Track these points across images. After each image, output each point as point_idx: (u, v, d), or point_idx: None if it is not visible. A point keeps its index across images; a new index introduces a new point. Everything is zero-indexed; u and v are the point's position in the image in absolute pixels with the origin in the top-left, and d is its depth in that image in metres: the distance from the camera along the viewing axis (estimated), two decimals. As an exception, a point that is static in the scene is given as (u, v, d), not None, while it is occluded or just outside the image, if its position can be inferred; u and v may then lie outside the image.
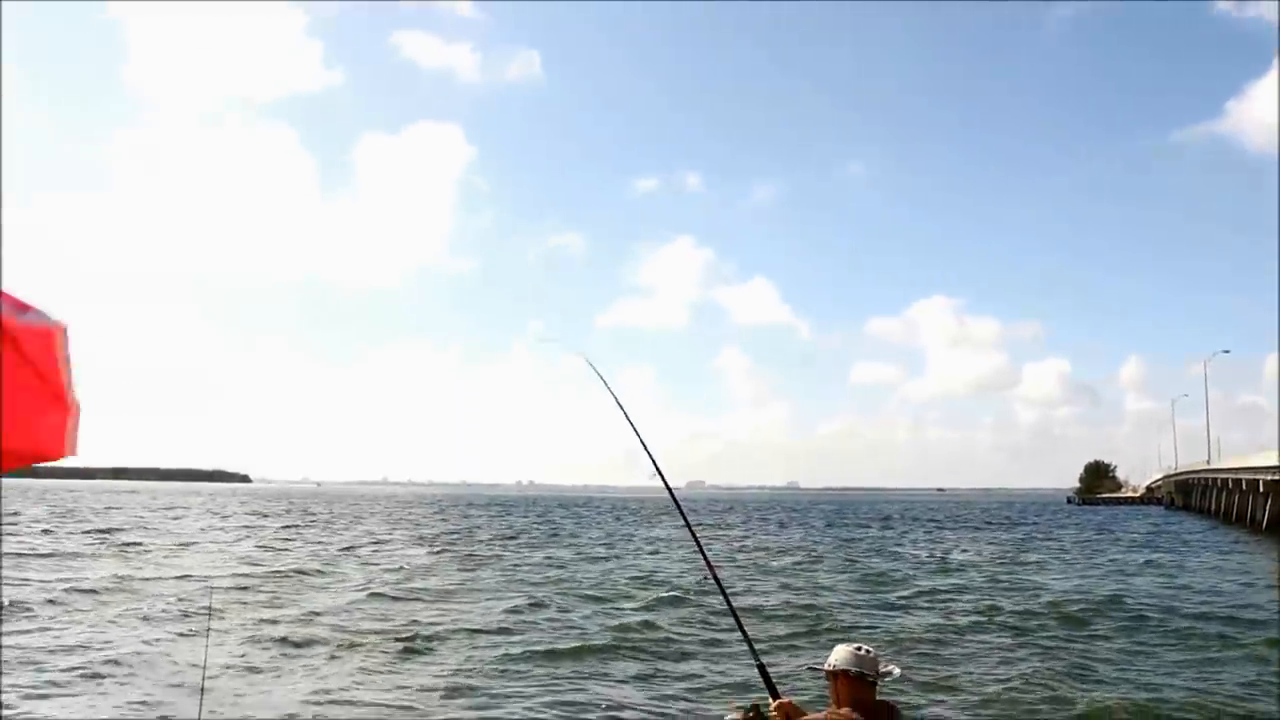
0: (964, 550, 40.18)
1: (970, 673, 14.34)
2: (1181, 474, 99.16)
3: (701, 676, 13.83)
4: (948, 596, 23.70)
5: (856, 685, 4.35)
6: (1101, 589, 25.28)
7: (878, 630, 17.69)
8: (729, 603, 5.37)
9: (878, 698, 4.44)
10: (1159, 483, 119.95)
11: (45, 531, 43.39)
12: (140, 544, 36.56)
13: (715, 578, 5.43)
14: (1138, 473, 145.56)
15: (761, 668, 4.98)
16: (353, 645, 15.61)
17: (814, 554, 37.60)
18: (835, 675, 4.43)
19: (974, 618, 19.95)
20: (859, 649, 4.47)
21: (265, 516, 67.19)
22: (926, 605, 22.01)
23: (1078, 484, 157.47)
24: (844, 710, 4.31)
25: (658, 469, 5.83)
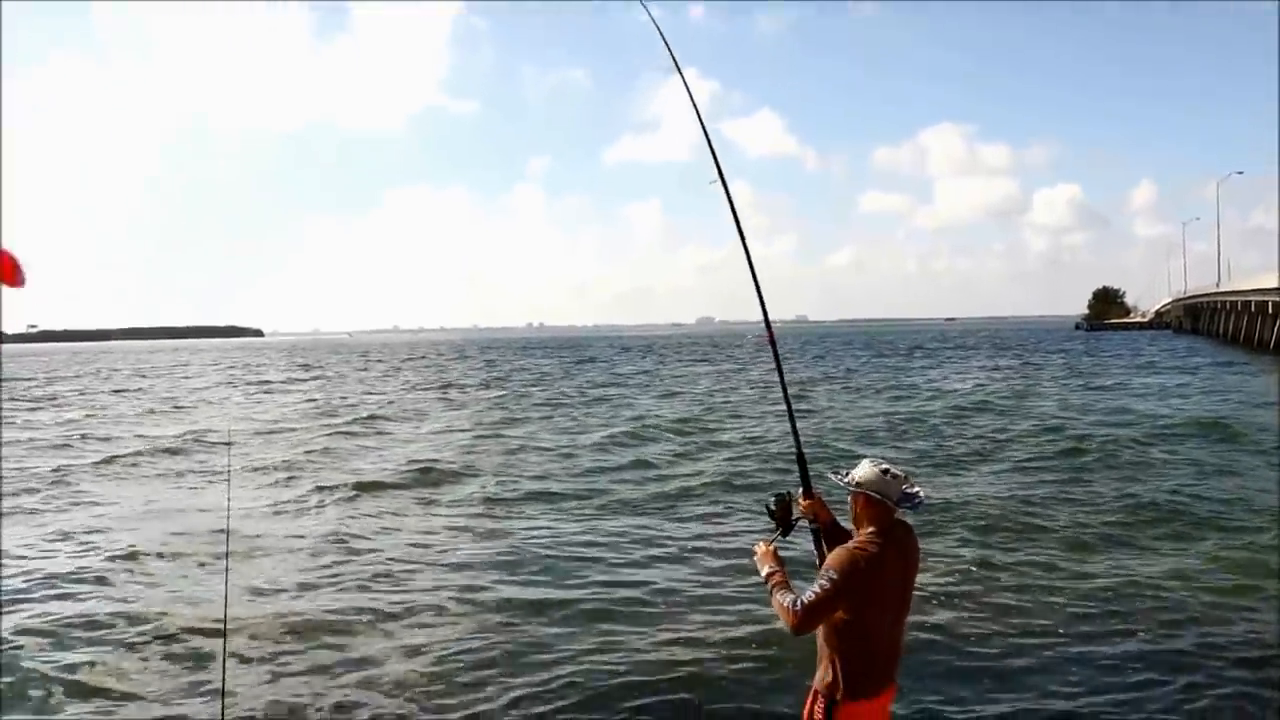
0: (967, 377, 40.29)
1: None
2: (1190, 298, 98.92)
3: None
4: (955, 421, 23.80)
5: (876, 507, 4.30)
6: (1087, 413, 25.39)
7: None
8: (785, 392, 5.29)
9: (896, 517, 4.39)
10: (1167, 307, 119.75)
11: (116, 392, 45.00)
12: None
13: (783, 384, 5.36)
14: (1147, 298, 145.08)
15: (801, 458, 4.94)
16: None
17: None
18: (855, 495, 4.34)
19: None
20: (885, 470, 4.32)
21: (315, 371, 67.50)
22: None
23: (1086, 311, 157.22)
24: (866, 533, 4.29)
25: (763, 307, 5.64)
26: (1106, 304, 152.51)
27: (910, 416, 27.92)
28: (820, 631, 4.28)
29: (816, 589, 4.13)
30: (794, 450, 5.02)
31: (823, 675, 4.32)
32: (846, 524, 4.57)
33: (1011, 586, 10.40)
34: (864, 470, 4.35)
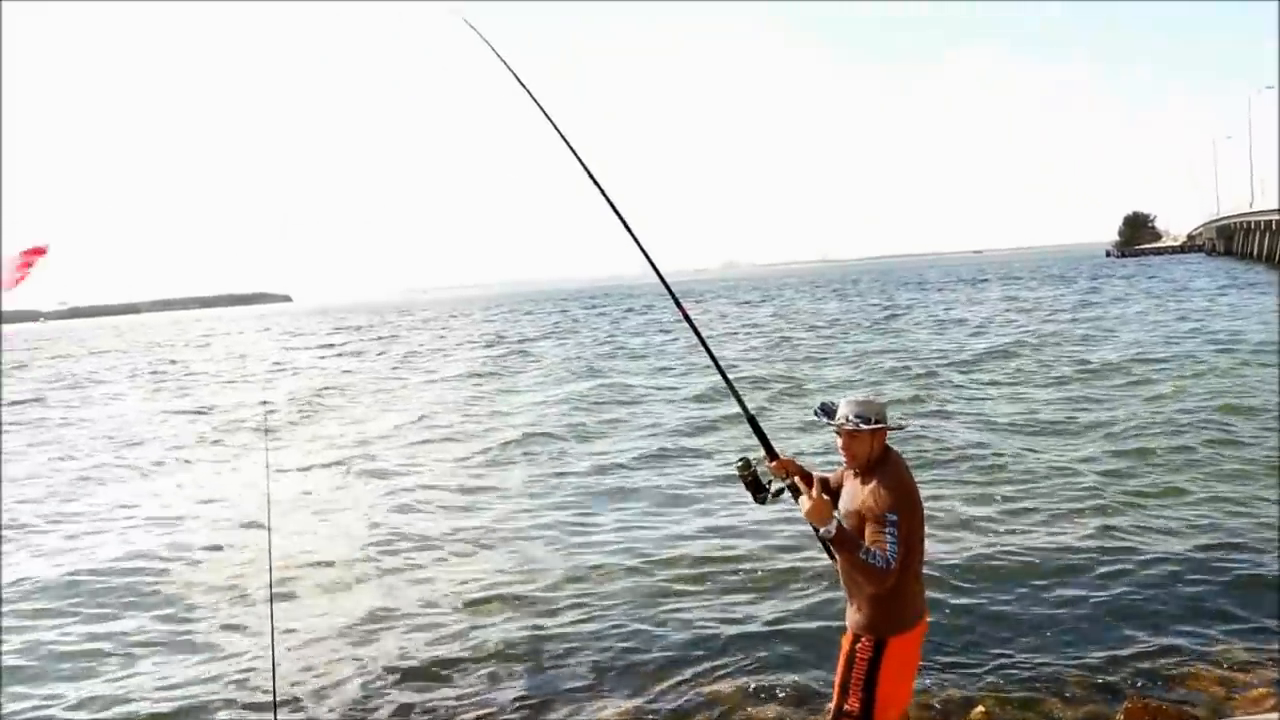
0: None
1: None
2: (1223, 219, 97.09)
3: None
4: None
5: (878, 438, 4.24)
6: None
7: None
8: (714, 359, 5.04)
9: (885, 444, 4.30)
10: (1199, 230, 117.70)
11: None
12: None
13: (703, 343, 5.09)
14: (1181, 221, 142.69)
15: (752, 420, 4.75)
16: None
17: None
18: (872, 433, 4.22)
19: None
20: (862, 398, 4.29)
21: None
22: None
23: (1117, 237, 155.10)
24: (890, 464, 4.24)
25: (639, 244, 5.27)
26: (1138, 229, 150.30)
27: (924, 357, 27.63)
28: (851, 570, 4.17)
29: (888, 537, 4.03)
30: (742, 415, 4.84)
31: (867, 614, 4.21)
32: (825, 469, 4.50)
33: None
34: (857, 405, 4.25)
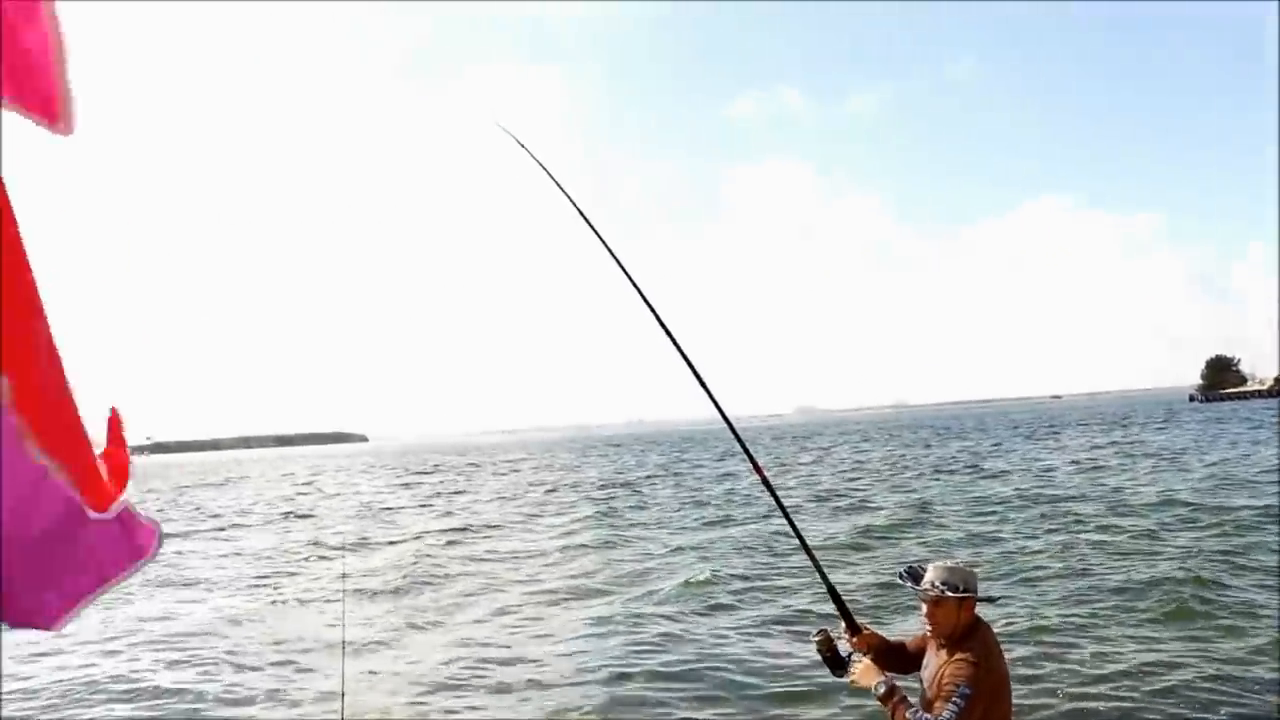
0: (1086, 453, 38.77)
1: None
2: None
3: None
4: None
5: (965, 607, 4.06)
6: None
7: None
8: (790, 521, 4.70)
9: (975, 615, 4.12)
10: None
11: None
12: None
13: (777, 500, 4.82)
14: (1265, 365, 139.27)
15: (833, 592, 4.54)
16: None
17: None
18: (960, 601, 4.04)
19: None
20: (952, 564, 4.15)
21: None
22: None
23: (1200, 380, 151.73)
24: (974, 639, 4.02)
25: (711, 396, 5.02)
26: (1222, 372, 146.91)
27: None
28: None
29: (950, 707, 3.83)
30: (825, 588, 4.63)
31: None
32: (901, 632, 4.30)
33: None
34: (946, 572, 4.11)
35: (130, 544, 2.34)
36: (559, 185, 5.26)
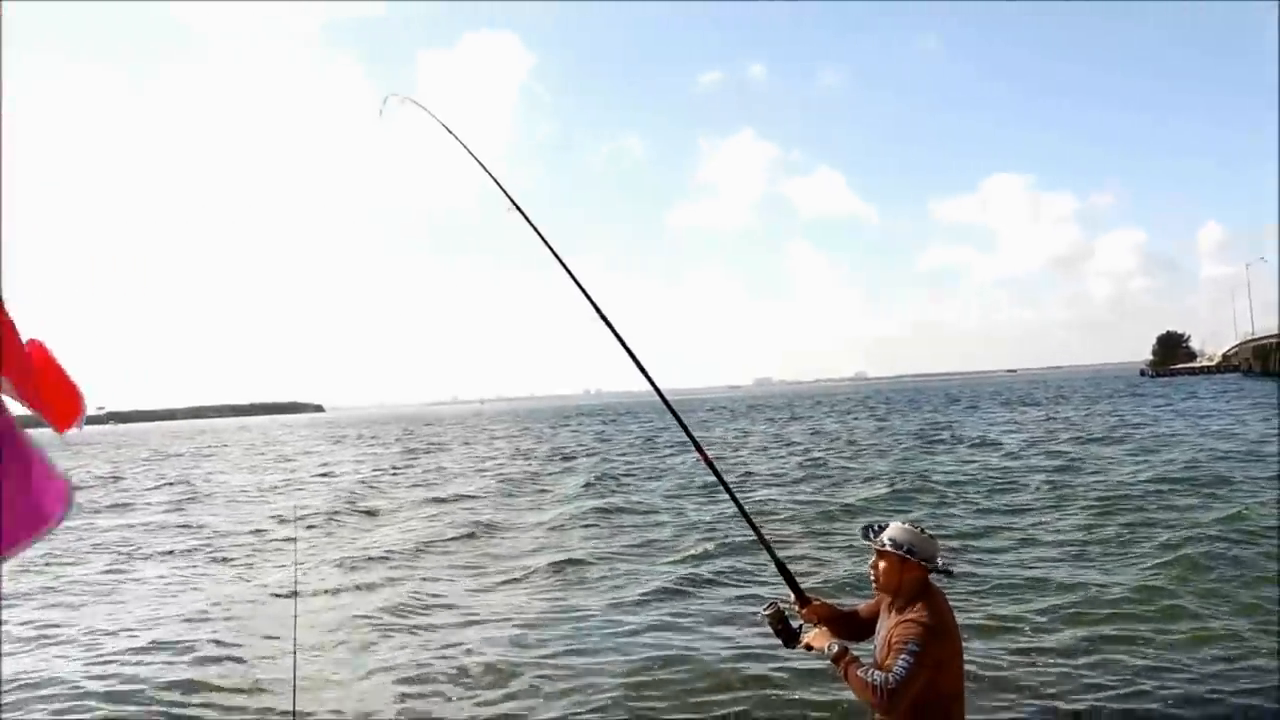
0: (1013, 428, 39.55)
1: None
2: (1259, 339, 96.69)
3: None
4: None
5: (921, 572, 4.11)
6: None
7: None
8: (735, 498, 4.86)
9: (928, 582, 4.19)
10: (1235, 350, 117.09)
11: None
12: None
13: (720, 479, 4.94)
14: (1214, 341, 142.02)
15: (781, 567, 4.65)
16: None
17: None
18: (903, 560, 4.11)
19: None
20: (919, 529, 4.18)
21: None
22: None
23: (1151, 356, 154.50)
24: (924, 601, 4.08)
25: (646, 376, 5.15)
26: (1172, 348, 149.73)
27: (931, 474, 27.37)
28: (858, 694, 4.02)
29: (902, 664, 3.90)
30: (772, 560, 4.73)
31: None
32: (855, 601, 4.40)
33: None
34: (900, 531, 4.19)
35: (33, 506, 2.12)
36: (475, 158, 5.51)
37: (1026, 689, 8.52)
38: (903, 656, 3.91)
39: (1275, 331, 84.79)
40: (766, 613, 4.43)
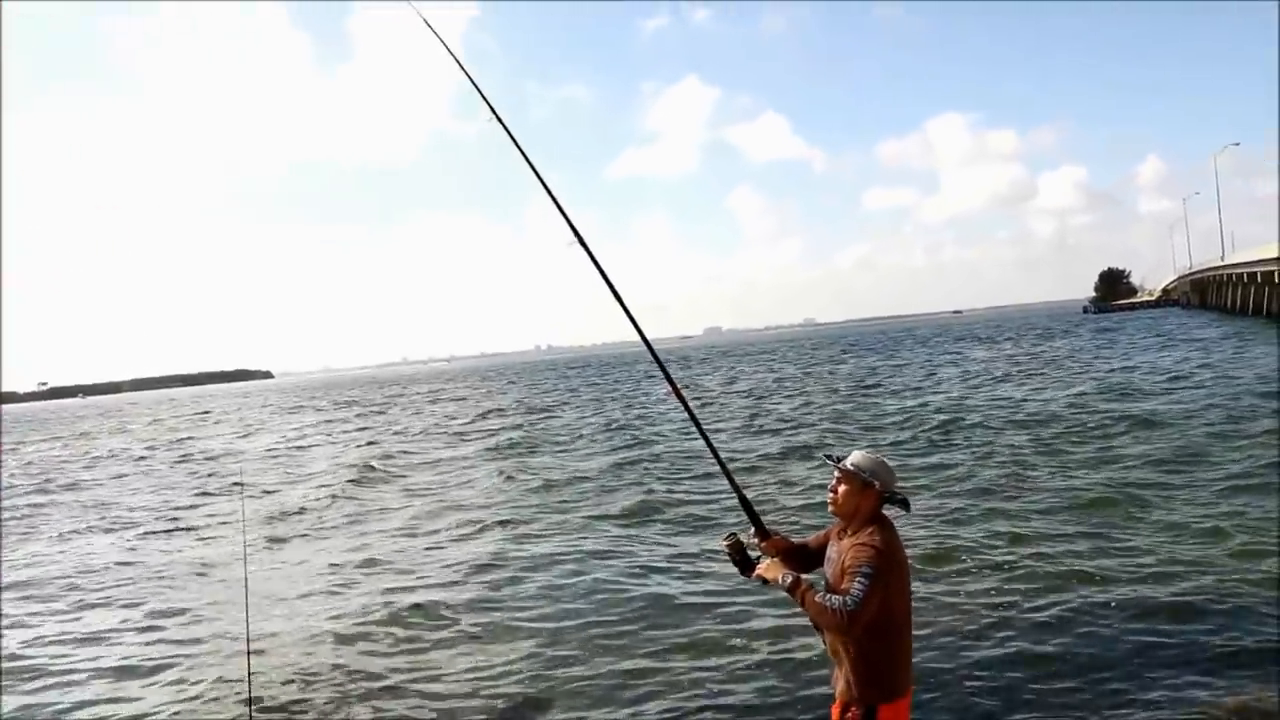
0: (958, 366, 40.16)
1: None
2: (1196, 273, 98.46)
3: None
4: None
5: (879, 500, 4.20)
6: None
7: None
8: (703, 433, 5.04)
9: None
10: (1174, 284, 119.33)
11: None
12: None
13: (689, 412, 5.13)
14: (1154, 277, 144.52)
15: (743, 499, 4.74)
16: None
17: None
18: (864, 485, 4.19)
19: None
20: (873, 454, 4.27)
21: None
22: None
23: (1093, 293, 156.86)
24: (874, 525, 4.16)
25: (631, 318, 5.28)
26: (1113, 285, 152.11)
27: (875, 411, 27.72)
28: (850, 642, 4.11)
29: (858, 586, 3.98)
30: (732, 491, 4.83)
31: (855, 681, 4.13)
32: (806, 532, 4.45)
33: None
34: (868, 460, 4.25)
35: None
36: (454, 56, 5.71)
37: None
38: (858, 579, 4.00)
39: (1211, 265, 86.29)
40: (725, 542, 4.52)
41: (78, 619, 11.87)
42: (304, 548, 15.23)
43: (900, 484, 4.34)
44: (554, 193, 5.32)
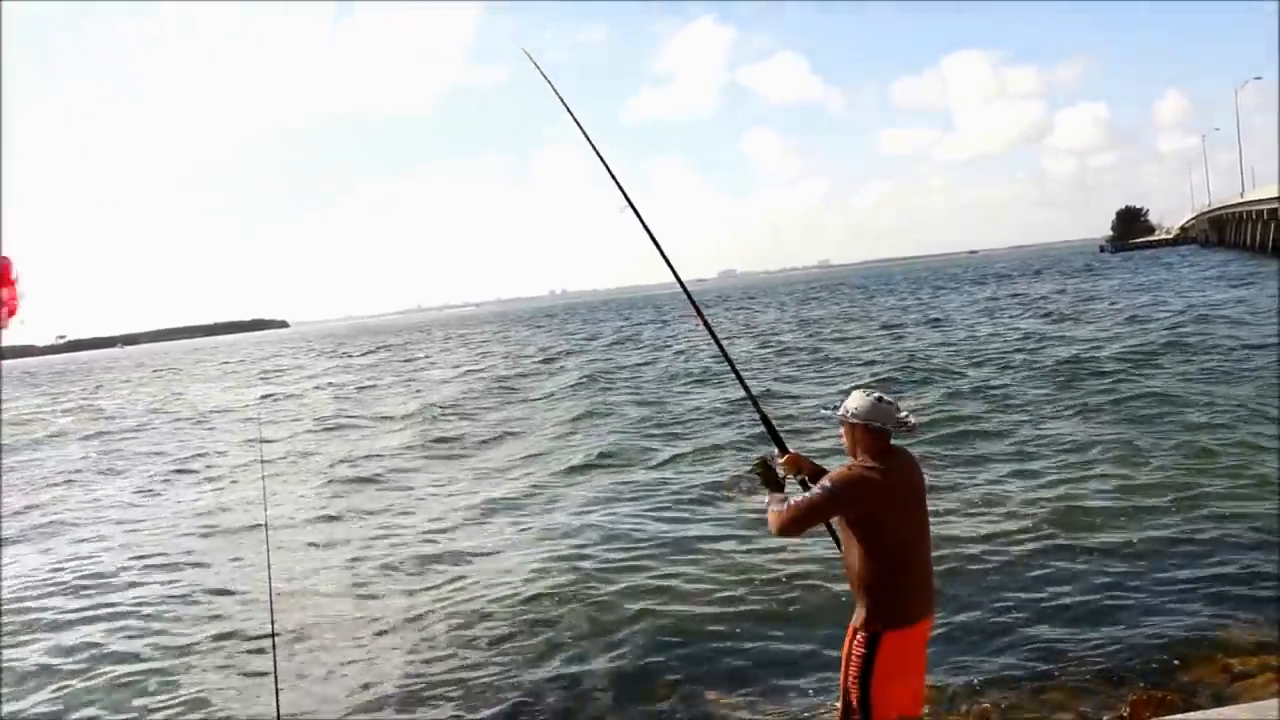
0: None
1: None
2: (1214, 210, 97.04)
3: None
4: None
5: (872, 435, 4.27)
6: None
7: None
8: (725, 354, 5.31)
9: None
10: (1191, 222, 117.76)
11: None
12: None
13: (713, 335, 5.48)
14: (1174, 214, 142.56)
15: (765, 420, 4.93)
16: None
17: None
18: (851, 425, 4.30)
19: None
20: (879, 398, 4.30)
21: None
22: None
23: (1110, 232, 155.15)
24: (859, 461, 4.26)
25: (666, 258, 5.57)
26: (1130, 224, 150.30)
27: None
28: (854, 569, 4.23)
29: (809, 494, 4.20)
30: (757, 416, 5.01)
31: (860, 608, 4.26)
32: (835, 463, 4.55)
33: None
34: (856, 400, 4.34)
35: None
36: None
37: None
38: (815, 489, 4.21)
39: (1230, 202, 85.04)
40: (754, 462, 4.70)
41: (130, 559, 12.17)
42: (330, 494, 15.38)
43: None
44: (607, 162, 5.65)
